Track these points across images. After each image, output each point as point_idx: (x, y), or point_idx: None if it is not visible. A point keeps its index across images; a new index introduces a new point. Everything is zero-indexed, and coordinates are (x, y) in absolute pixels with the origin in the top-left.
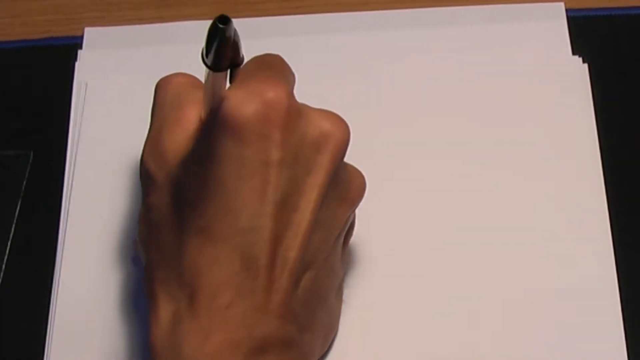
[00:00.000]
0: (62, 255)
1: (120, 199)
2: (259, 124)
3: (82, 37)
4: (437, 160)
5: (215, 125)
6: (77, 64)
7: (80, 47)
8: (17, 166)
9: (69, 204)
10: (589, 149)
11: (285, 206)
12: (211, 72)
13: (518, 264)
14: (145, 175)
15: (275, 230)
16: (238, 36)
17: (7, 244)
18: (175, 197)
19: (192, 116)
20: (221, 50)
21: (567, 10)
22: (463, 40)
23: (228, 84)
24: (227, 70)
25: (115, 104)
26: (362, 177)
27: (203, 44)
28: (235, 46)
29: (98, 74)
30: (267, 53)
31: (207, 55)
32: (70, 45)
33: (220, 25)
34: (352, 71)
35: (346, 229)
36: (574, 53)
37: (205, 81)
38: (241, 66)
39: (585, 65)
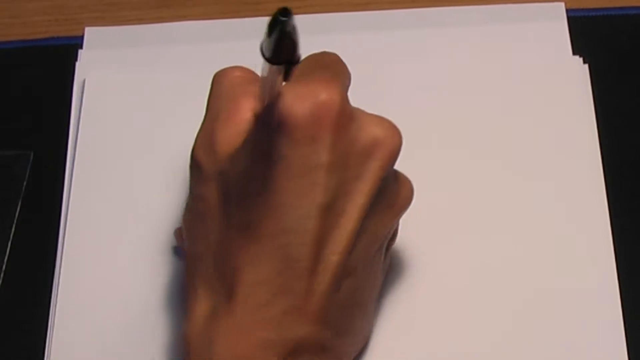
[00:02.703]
0: (62, 255)
1: (120, 199)
2: (310, 125)
3: (82, 37)
4: (436, 161)
5: (268, 123)
6: (77, 64)
7: (81, 47)
8: (17, 166)
9: (69, 204)
10: (589, 149)
11: (332, 210)
12: (268, 65)
13: (518, 264)
14: (195, 166)
15: (320, 233)
16: (297, 32)
17: (7, 244)
18: (222, 190)
19: (246, 110)
20: (279, 42)
21: (567, 10)
22: (463, 40)
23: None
24: (283, 64)
25: (116, 104)
26: (411, 185)
27: (264, 35)
28: (293, 41)
29: (98, 74)
30: (324, 51)
31: (265, 47)
32: (71, 45)
33: (282, 18)
34: (353, 71)
35: (390, 236)
36: (574, 53)
37: (262, 75)
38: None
39: (586, 66)
